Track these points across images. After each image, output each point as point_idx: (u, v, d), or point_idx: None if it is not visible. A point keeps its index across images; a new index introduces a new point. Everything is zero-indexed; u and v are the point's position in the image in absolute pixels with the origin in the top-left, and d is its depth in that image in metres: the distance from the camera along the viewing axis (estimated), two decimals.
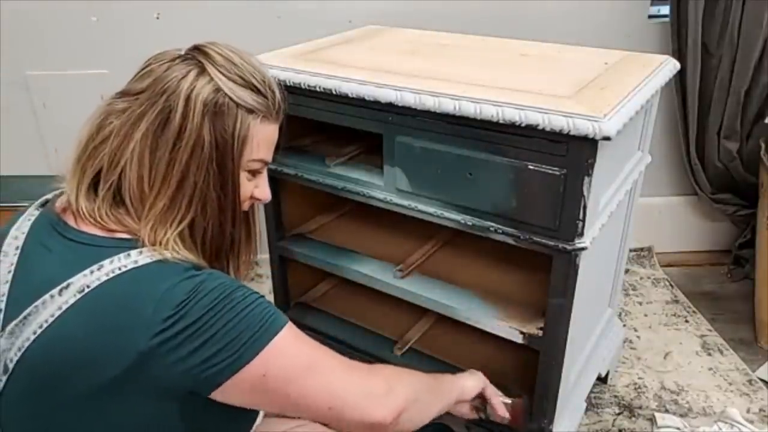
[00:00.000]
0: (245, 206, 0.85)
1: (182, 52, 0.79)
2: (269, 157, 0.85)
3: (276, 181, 1.38)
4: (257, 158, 0.82)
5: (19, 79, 1.91)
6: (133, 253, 0.72)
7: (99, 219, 0.75)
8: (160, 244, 0.74)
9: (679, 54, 1.82)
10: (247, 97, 0.77)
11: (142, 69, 0.78)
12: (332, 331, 1.50)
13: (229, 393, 0.71)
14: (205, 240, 0.79)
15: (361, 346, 1.45)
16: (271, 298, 1.60)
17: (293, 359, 0.74)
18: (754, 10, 1.72)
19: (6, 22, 1.84)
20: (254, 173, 0.84)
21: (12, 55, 1.88)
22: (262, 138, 0.81)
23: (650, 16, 1.90)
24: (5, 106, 1.94)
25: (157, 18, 1.86)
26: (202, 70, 0.76)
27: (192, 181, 0.75)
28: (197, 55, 0.77)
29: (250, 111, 0.78)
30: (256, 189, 0.86)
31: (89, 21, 1.86)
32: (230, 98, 0.76)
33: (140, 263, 0.71)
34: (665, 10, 1.86)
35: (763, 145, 1.78)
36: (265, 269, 1.79)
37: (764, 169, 1.75)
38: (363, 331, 1.49)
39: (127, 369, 0.67)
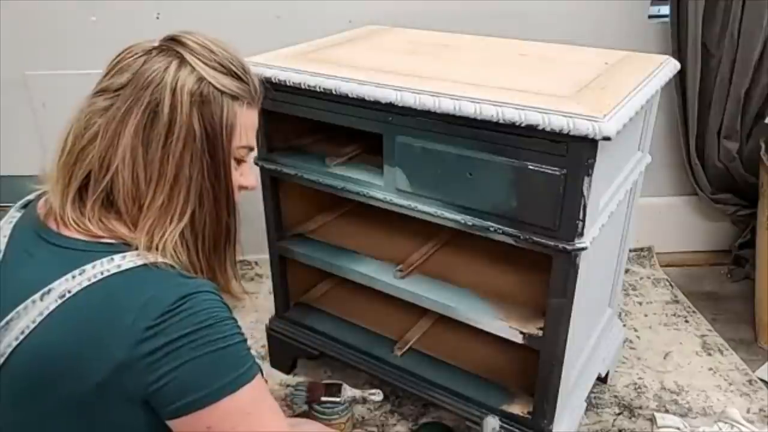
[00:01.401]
0: (236, 196, 0.84)
1: (156, 44, 0.77)
2: (254, 144, 0.84)
3: (276, 181, 1.38)
4: (244, 145, 0.81)
5: (18, 78, 1.91)
6: (117, 257, 0.70)
7: (84, 226, 0.73)
8: (157, 248, 0.72)
9: (679, 54, 1.82)
10: (230, 84, 0.76)
11: (115, 63, 0.76)
12: (332, 331, 1.50)
13: (174, 425, 0.71)
14: (204, 233, 0.78)
15: (361, 346, 1.45)
16: (271, 298, 1.60)
17: (240, 423, 0.71)
18: (754, 10, 1.72)
19: (6, 22, 1.84)
20: (239, 161, 0.82)
21: (12, 55, 1.88)
22: (248, 124, 0.80)
23: (650, 16, 1.90)
24: (5, 106, 1.94)
25: (157, 18, 1.86)
26: (182, 61, 0.74)
27: (187, 173, 0.74)
28: (174, 46, 0.75)
29: (235, 98, 0.77)
30: (242, 177, 0.84)
31: (89, 21, 1.86)
32: (214, 86, 0.74)
33: (123, 267, 0.69)
34: (665, 10, 1.86)
35: (763, 145, 1.78)
36: (265, 269, 1.79)
37: (764, 169, 1.75)
38: (363, 331, 1.49)
39: (107, 377, 0.66)
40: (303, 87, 1.17)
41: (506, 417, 1.25)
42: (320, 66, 1.20)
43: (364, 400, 1.40)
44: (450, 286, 1.29)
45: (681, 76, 1.85)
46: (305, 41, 1.43)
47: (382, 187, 1.19)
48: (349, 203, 1.52)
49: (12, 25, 1.85)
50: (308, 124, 1.26)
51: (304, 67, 1.20)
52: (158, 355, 0.66)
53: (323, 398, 1.33)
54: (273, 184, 1.38)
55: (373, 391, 1.38)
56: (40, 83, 1.92)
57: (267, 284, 1.93)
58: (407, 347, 1.43)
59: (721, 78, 1.83)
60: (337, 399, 1.34)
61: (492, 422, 1.18)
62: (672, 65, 1.25)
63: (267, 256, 1.51)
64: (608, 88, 1.05)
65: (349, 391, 1.35)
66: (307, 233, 1.50)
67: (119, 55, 0.76)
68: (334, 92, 1.13)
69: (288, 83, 1.18)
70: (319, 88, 1.15)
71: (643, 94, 1.05)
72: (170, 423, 0.70)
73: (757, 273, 1.83)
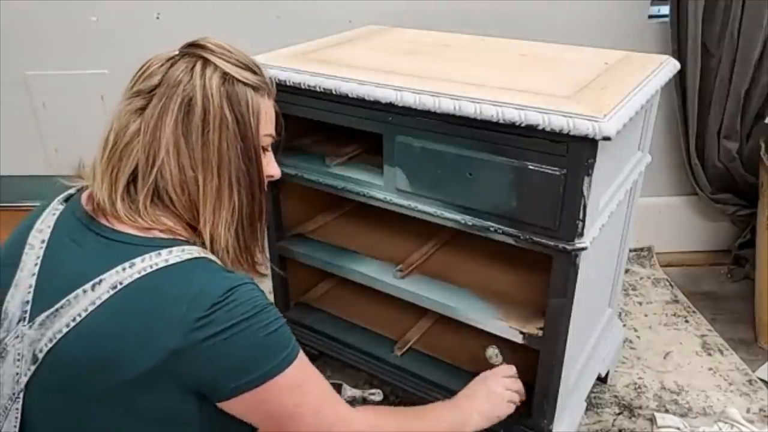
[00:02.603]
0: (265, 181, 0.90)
1: (177, 52, 0.82)
2: (275, 133, 0.90)
3: (276, 181, 1.38)
4: (268, 133, 0.87)
5: (19, 79, 1.91)
6: (164, 252, 0.74)
7: (136, 220, 0.77)
8: (214, 236, 0.80)
9: (679, 54, 1.82)
10: (250, 77, 0.82)
11: (143, 72, 0.81)
12: (332, 331, 1.50)
13: (228, 405, 0.76)
14: (243, 212, 0.83)
15: (361, 346, 1.45)
16: (271, 298, 1.60)
17: (292, 396, 0.78)
18: (754, 10, 1.72)
19: (6, 22, 1.84)
20: (264, 150, 0.88)
21: (12, 55, 1.88)
22: (269, 113, 0.87)
23: (650, 16, 1.90)
24: (5, 106, 1.94)
25: (157, 18, 1.86)
26: (206, 61, 0.80)
27: (227, 158, 0.80)
28: (195, 50, 0.81)
29: (256, 89, 0.83)
30: (268, 166, 0.90)
31: (89, 21, 1.86)
32: (237, 79, 0.81)
33: (171, 262, 0.74)
34: (665, 10, 1.86)
35: (763, 145, 1.78)
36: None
37: (764, 169, 1.75)
38: (363, 331, 1.49)
39: (157, 365, 0.70)
40: (303, 87, 1.17)
41: (506, 417, 1.25)
42: (320, 66, 1.20)
43: (364, 400, 1.40)
44: (450, 286, 1.29)
45: (681, 76, 1.85)
46: (305, 41, 1.43)
47: (382, 187, 1.19)
48: (349, 203, 1.52)
49: (12, 25, 1.85)
50: (308, 124, 1.26)
51: (304, 67, 1.20)
52: (210, 343, 0.71)
53: None
54: (273, 184, 1.38)
55: (373, 391, 1.38)
56: (40, 83, 1.93)
57: (267, 284, 1.93)
58: (407, 347, 1.44)
59: (721, 78, 1.83)
60: None
61: (490, 351, 1.19)
62: (672, 65, 1.25)
63: (267, 256, 1.51)
64: (608, 88, 1.05)
65: (349, 391, 1.36)
66: (307, 233, 1.50)
67: (144, 65, 0.82)
68: (334, 92, 1.13)
69: (288, 83, 1.18)
70: (319, 88, 1.15)
71: (643, 94, 1.05)
72: (223, 404, 0.75)
73: (757, 273, 1.83)
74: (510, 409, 1.10)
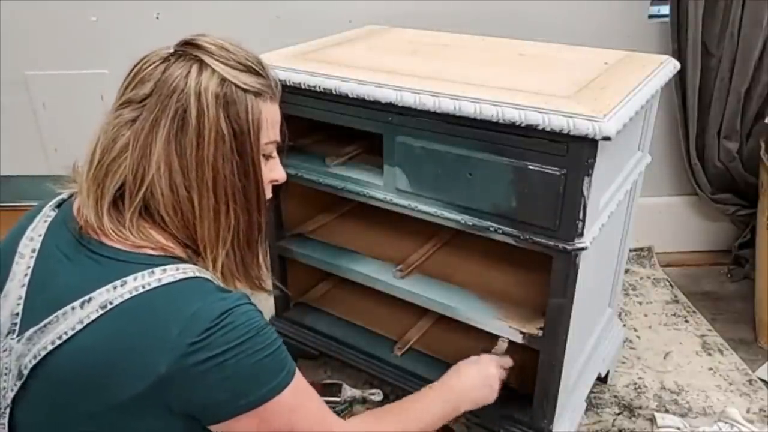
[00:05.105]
0: (268, 192, 0.86)
1: (171, 50, 0.77)
2: (279, 138, 0.84)
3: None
4: (271, 140, 0.82)
5: (18, 79, 1.91)
6: (157, 270, 0.71)
7: (125, 236, 0.73)
8: (213, 257, 0.76)
9: (679, 54, 1.82)
10: (251, 81, 0.76)
11: (135, 74, 0.76)
12: (332, 331, 1.50)
13: (220, 428, 0.73)
14: (239, 232, 0.79)
15: (361, 346, 1.45)
16: (271, 298, 1.60)
17: (287, 419, 0.75)
18: (754, 10, 1.72)
19: (6, 22, 1.84)
20: (267, 157, 0.83)
21: (12, 55, 1.88)
22: (272, 119, 0.81)
23: (650, 16, 1.91)
24: (5, 106, 1.94)
25: (157, 18, 1.86)
26: (202, 64, 0.74)
27: (223, 175, 0.75)
28: (190, 50, 0.75)
29: (258, 94, 0.77)
30: (271, 172, 0.85)
31: (89, 21, 1.86)
32: (237, 86, 0.75)
33: (164, 281, 0.70)
34: (665, 10, 1.86)
35: (763, 145, 1.78)
36: None
37: (764, 169, 1.75)
38: (363, 331, 1.49)
39: (147, 389, 0.67)
40: (303, 87, 1.17)
41: (506, 417, 1.25)
42: (320, 66, 1.20)
43: (364, 400, 1.41)
44: (450, 286, 1.29)
45: (681, 76, 1.85)
46: (305, 41, 1.42)
47: (382, 187, 1.19)
48: (349, 203, 1.53)
49: (12, 25, 1.85)
50: (308, 124, 1.26)
51: (304, 67, 1.20)
52: (204, 368, 0.67)
53: (323, 398, 1.33)
54: (273, 185, 1.38)
55: (373, 391, 1.38)
56: (40, 83, 1.93)
57: (267, 284, 1.93)
58: (407, 347, 1.43)
59: (721, 78, 1.83)
60: (337, 399, 1.34)
61: (503, 345, 1.20)
62: (672, 65, 1.25)
63: (270, 272, 1.50)
64: (608, 88, 1.05)
65: (348, 391, 1.36)
66: (307, 233, 1.50)
67: (137, 65, 0.76)
68: (334, 92, 1.13)
69: (288, 83, 1.18)
70: (319, 88, 1.15)
71: (643, 94, 1.05)
72: (215, 427, 0.72)
73: (757, 273, 1.83)
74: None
